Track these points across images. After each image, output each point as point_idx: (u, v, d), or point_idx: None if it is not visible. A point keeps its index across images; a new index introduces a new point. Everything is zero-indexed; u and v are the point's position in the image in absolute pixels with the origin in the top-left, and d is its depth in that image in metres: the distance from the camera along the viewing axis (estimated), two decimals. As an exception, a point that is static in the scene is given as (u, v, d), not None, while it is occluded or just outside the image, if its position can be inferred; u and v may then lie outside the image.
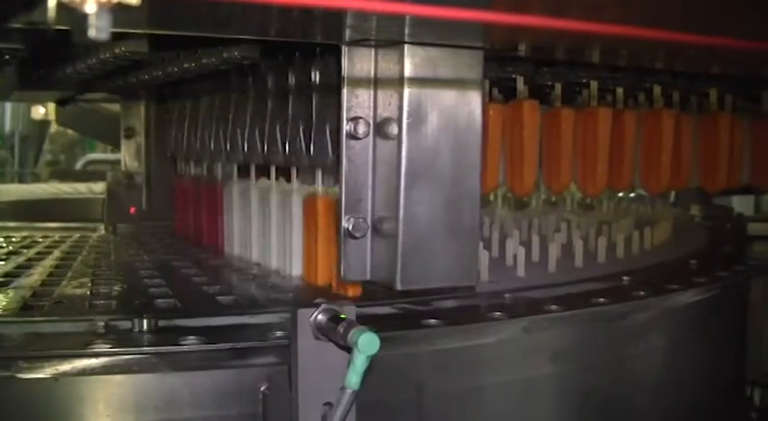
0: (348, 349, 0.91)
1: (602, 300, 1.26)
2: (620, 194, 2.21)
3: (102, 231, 2.12)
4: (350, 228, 1.19)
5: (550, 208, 2.11)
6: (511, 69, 1.54)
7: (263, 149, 1.52)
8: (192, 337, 1.00)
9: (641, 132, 1.65)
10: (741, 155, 1.82)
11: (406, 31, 1.11)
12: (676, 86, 1.71)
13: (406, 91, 1.16)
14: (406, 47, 1.15)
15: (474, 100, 1.20)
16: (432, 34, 1.13)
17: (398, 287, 1.17)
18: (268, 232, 1.51)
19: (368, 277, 1.22)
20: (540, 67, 1.57)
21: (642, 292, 1.32)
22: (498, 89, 1.56)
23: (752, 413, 1.95)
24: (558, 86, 1.57)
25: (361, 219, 1.20)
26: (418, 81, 1.16)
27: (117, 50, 1.30)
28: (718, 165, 1.73)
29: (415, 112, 1.16)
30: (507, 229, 1.77)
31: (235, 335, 1.04)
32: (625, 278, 1.45)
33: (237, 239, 1.65)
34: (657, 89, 1.67)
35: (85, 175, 4.92)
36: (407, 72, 1.15)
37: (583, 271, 1.49)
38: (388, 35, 1.15)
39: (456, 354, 1.10)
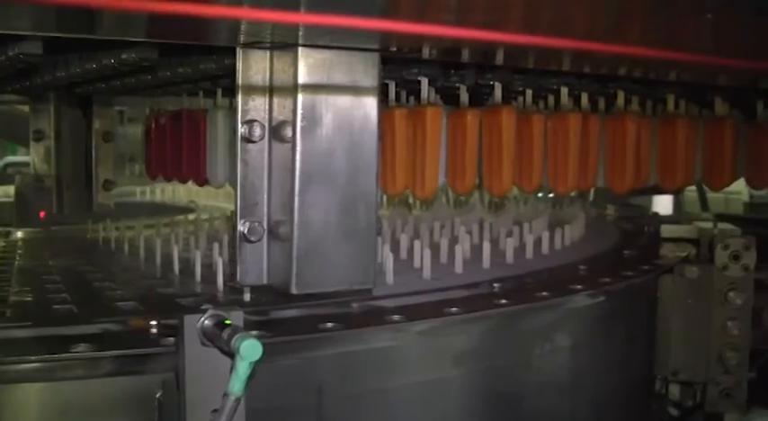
0: (233, 355, 0.90)
1: (504, 301, 1.26)
2: (540, 194, 2.23)
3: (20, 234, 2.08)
4: (245, 231, 1.18)
5: (466, 209, 2.11)
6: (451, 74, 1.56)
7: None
8: (83, 345, 0.98)
9: (549, 134, 1.66)
10: (649, 155, 1.84)
11: (300, 34, 1.11)
12: (583, 88, 1.73)
13: (300, 93, 1.15)
14: (300, 49, 1.15)
15: (369, 102, 1.19)
16: (326, 37, 1.13)
17: (294, 291, 1.17)
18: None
19: (264, 281, 1.21)
20: (449, 70, 1.58)
21: (545, 293, 1.32)
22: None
23: (670, 409, 1.98)
24: (464, 88, 1.57)
25: (257, 223, 1.19)
26: (312, 83, 1.15)
27: (11, 53, 1.28)
28: (625, 165, 1.74)
29: (310, 115, 1.16)
30: (416, 231, 1.77)
31: (129, 342, 1.02)
32: (531, 279, 1.45)
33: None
34: (565, 91, 1.68)
35: (4, 179, 4.83)
36: (301, 74, 1.15)
37: (489, 272, 1.49)
38: (282, 38, 1.15)
39: (356, 357, 1.10)
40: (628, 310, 1.52)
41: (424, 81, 1.49)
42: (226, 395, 0.89)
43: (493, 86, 1.59)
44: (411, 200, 1.98)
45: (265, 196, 1.20)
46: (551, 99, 1.76)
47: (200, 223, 1.93)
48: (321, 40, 1.14)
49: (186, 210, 2.39)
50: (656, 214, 2.36)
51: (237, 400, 0.90)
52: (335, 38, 1.14)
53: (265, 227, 1.20)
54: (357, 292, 1.24)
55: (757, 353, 1.76)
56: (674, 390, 2.00)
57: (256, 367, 0.90)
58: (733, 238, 1.67)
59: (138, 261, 1.62)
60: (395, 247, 1.59)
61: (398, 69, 1.49)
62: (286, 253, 1.18)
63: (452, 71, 1.58)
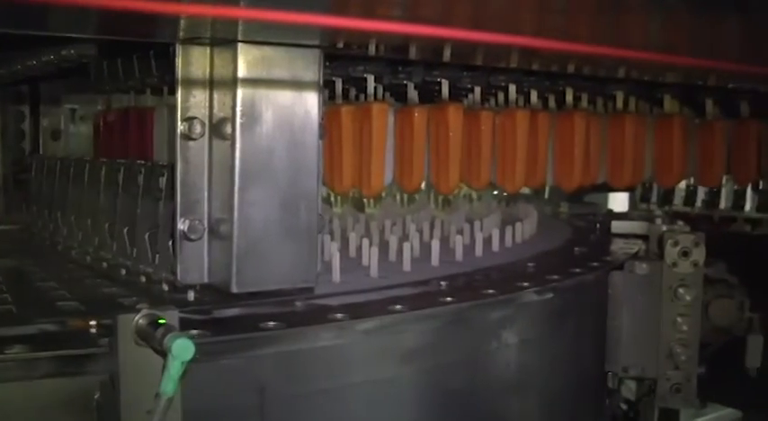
0: (165, 355, 0.89)
1: (449, 299, 1.25)
2: (495, 192, 2.23)
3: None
4: (186, 230, 1.17)
5: (417, 207, 2.10)
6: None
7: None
8: (18, 346, 0.97)
9: (497, 131, 1.66)
10: (598, 153, 1.85)
11: (240, 30, 1.10)
12: (532, 85, 1.73)
13: (240, 90, 1.14)
14: (239, 45, 1.14)
15: (311, 99, 1.19)
16: (266, 33, 1.12)
17: (234, 290, 1.16)
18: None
19: (205, 280, 1.20)
20: (396, 67, 1.57)
21: (492, 291, 1.32)
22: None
23: (621, 405, 1.99)
24: (411, 85, 1.57)
25: (197, 221, 1.18)
26: (252, 80, 1.14)
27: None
28: (574, 163, 1.75)
29: (249, 112, 1.15)
30: (367, 230, 1.76)
31: (66, 342, 1.00)
32: (479, 276, 1.45)
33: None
34: (512, 88, 1.69)
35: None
36: (241, 71, 1.14)
37: (438, 270, 1.49)
38: (221, 34, 1.14)
39: (299, 356, 1.09)
40: (577, 307, 1.51)
41: (370, 78, 1.49)
42: (158, 395, 0.88)
43: (441, 83, 1.58)
44: (364, 198, 1.97)
45: (206, 194, 1.19)
46: (501, 96, 1.77)
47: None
48: (261, 35, 1.13)
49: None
50: (609, 211, 2.37)
51: (170, 400, 0.88)
52: (275, 34, 1.13)
53: (206, 225, 1.18)
54: (301, 291, 1.23)
55: (703, 347, 1.77)
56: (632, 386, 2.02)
57: (196, 366, 0.90)
58: (683, 235, 1.67)
59: (84, 260, 1.60)
60: (345, 245, 1.58)
61: (345, 66, 1.49)
62: (226, 251, 1.17)
63: (400, 68, 1.57)
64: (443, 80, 1.58)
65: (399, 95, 1.71)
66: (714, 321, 1.81)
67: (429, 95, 1.70)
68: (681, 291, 1.65)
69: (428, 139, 1.56)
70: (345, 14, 1.08)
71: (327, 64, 1.49)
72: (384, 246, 1.55)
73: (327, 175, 1.51)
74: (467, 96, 1.78)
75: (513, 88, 1.72)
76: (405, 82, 1.59)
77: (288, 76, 1.17)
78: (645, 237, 1.82)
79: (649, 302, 1.65)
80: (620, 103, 1.94)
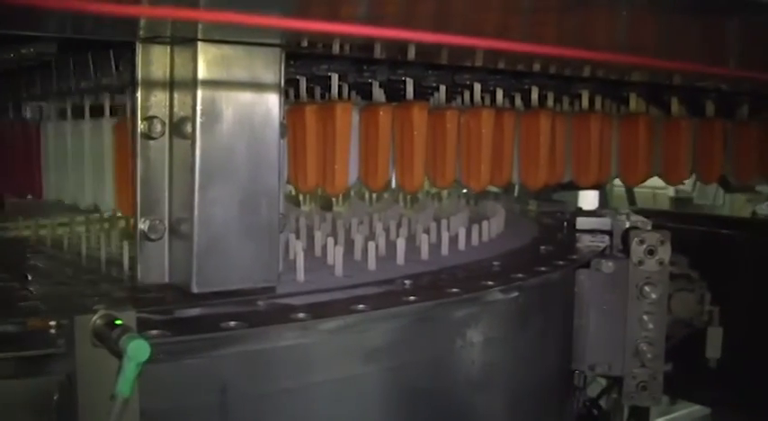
0: (121, 356, 0.88)
1: (412, 298, 1.25)
2: (465, 190, 2.23)
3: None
4: (146, 229, 1.17)
5: (385, 205, 2.10)
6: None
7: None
8: (-27, 347, 0.96)
9: (462, 130, 1.66)
10: (564, 151, 1.86)
11: (200, 29, 1.09)
12: (498, 83, 1.74)
13: (200, 89, 1.14)
14: (199, 44, 1.13)
15: (272, 98, 1.18)
16: (226, 32, 1.12)
17: (194, 289, 1.15)
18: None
19: (166, 279, 1.19)
20: (361, 66, 1.57)
21: (456, 289, 1.31)
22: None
23: (585, 403, 2.00)
24: (377, 84, 1.57)
25: (158, 221, 1.17)
26: (212, 79, 1.14)
27: None
28: (539, 161, 1.76)
29: (210, 111, 1.15)
30: (334, 228, 1.76)
31: (25, 343, 0.99)
32: (444, 275, 1.45)
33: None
34: (477, 87, 1.69)
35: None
36: (201, 70, 1.14)
37: (404, 269, 1.48)
38: (181, 32, 1.13)
39: (260, 356, 1.08)
40: (543, 306, 1.51)
41: (334, 77, 1.49)
42: (113, 396, 0.87)
43: (405, 82, 1.58)
44: (331, 197, 1.97)
45: (166, 193, 1.18)
46: (467, 95, 1.77)
47: (115, 221, 1.89)
48: (221, 35, 1.13)
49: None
50: (578, 209, 2.38)
51: (126, 401, 0.88)
52: (236, 33, 1.13)
53: (166, 224, 1.18)
54: (264, 290, 1.23)
55: (665, 339, 1.78)
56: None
57: (157, 367, 0.91)
58: (648, 233, 1.68)
59: (47, 260, 1.59)
60: (311, 244, 1.58)
61: (309, 65, 1.48)
62: (187, 251, 1.16)
63: (365, 67, 1.57)
64: (408, 79, 1.58)
65: (365, 94, 1.72)
66: (675, 314, 1.83)
67: (395, 93, 1.70)
68: (647, 288, 1.66)
69: (393, 138, 1.56)
70: (307, 17, 1.08)
71: (292, 63, 1.50)
72: (350, 245, 1.54)
73: (292, 174, 1.50)
74: (432, 95, 1.78)
75: (478, 87, 1.72)
76: (370, 80, 1.58)
77: (248, 74, 1.16)
78: (610, 233, 1.83)
79: (615, 300, 1.66)
80: (585, 102, 1.94)
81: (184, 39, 1.15)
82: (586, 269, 1.66)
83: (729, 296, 2.02)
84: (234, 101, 1.16)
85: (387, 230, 1.70)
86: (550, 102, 1.89)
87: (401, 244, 1.51)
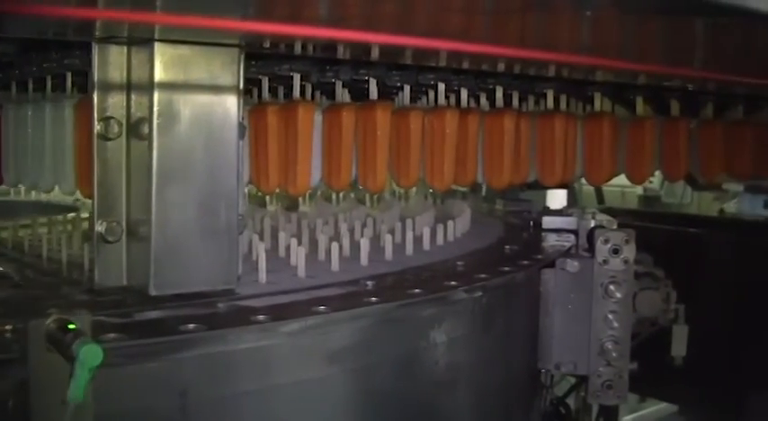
0: (74, 361, 0.87)
1: (373, 299, 1.24)
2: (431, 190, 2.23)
3: None
4: (103, 231, 1.16)
5: (352, 204, 2.09)
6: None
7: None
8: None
9: (427, 130, 1.66)
10: (528, 151, 1.86)
11: (157, 29, 1.09)
12: (462, 84, 1.74)
13: (157, 90, 1.13)
14: (156, 45, 1.12)
15: (230, 98, 1.17)
16: (184, 33, 1.11)
17: (152, 292, 1.15)
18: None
19: (124, 282, 1.18)
20: (324, 66, 1.57)
21: (418, 290, 1.31)
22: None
23: (553, 401, 2.00)
24: (340, 84, 1.56)
25: (115, 223, 1.16)
26: (169, 80, 1.13)
27: None
28: (503, 161, 1.76)
29: (167, 112, 1.14)
30: (299, 228, 1.75)
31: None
32: (407, 276, 1.44)
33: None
34: (442, 87, 1.69)
35: None
36: (158, 70, 1.13)
37: (368, 269, 1.47)
38: (138, 33, 1.12)
39: (218, 359, 1.07)
40: (507, 305, 1.52)
41: (296, 77, 1.48)
42: (64, 402, 0.86)
43: (369, 82, 1.58)
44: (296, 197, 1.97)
45: (124, 195, 1.17)
46: (431, 95, 1.77)
47: (79, 222, 1.88)
48: (178, 35, 1.12)
49: (69, 208, 2.32)
50: (545, 208, 2.38)
51: (78, 407, 0.87)
52: (193, 33, 1.12)
53: (124, 226, 1.17)
54: (224, 292, 1.22)
55: (631, 337, 1.79)
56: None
57: (115, 370, 0.92)
58: (613, 233, 1.68)
59: (7, 263, 1.57)
60: (276, 245, 1.57)
61: (271, 65, 1.48)
62: (145, 253, 1.15)
63: (328, 67, 1.56)
64: (372, 79, 1.58)
65: (329, 93, 1.72)
66: (641, 313, 1.84)
67: (359, 93, 1.70)
68: (611, 287, 1.66)
69: (356, 138, 1.55)
70: (265, 19, 1.07)
71: (254, 63, 1.49)
72: (315, 246, 1.54)
73: (254, 175, 1.49)
74: (396, 94, 1.78)
75: (442, 87, 1.72)
76: (333, 80, 1.58)
77: (206, 75, 1.16)
78: (576, 233, 1.83)
79: (580, 299, 1.67)
80: (550, 102, 1.95)
81: (141, 39, 1.14)
82: (552, 268, 1.66)
83: (696, 294, 2.03)
84: (191, 102, 1.15)
85: (352, 231, 1.70)
86: (515, 101, 1.89)
87: (365, 244, 1.51)
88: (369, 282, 1.35)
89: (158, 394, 1.03)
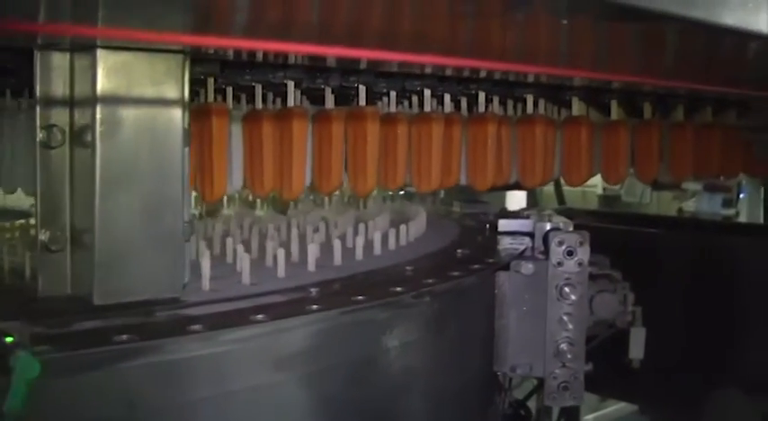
0: (10, 373, 0.86)
1: (315, 306, 1.22)
2: (390, 192, 2.23)
3: None
4: (46, 240, 1.14)
5: (308, 208, 2.09)
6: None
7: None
8: None
9: (413, 134, 1.75)
10: (510, 154, 1.95)
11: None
12: (446, 89, 1.80)
13: (99, 97, 1.12)
14: (99, 51, 1.11)
15: (174, 105, 1.16)
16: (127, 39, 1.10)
17: (96, 302, 1.13)
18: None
19: (68, 291, 1.17)
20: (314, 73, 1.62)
21: (362, 297, 1.29)
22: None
23: (512, 404, 2.01)
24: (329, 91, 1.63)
25: (59, 232, 1.15)
26: (112, 86, 1.12)
27: None
28: (487, 164, 1.85)
29: (110, 119, 1.12)
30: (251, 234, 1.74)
31: None
32: (354, 281, 1.43)
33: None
34: (427, 93, 1.74)
35: None
36: (100, 77, 1.11)
37: (315, 275, 1.46)
38: (80, 40, 1.12)
39: (156, 369, 1.05)
40: (458, 309, 1.51)
41: (290, 84, 1.50)
42: (1, 415, 0.86)
43: (358, 89, 1.63)
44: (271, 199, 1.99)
45: (67, 203, 1.16)
46: (416, 100, 1.84)
47: (29, 229, 1.86)
48: (121, 42, 1.11)
49: (24, 214, 2.30)
50: (503, 210, 2.38)
51: (16, 420, 0.86)
52: (135, 41, 1.11)
53: (68, 235, 1.16)
54: (169, 301, 1.20)
55: (588, 340, 1.79)
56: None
57: (54, 382, 0.90)
58: (567, 234, 1.69)
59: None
60: (224, 251, 1.56)
61: (264, 72, 1.53)
62: (89, 262, 1.14)
63: (318, 74, 1.62)
64: (361, 86, 1.63)
65: (314, 99, 1.76)
66: (597, 315, 1.84)
67: (344, 98, 1.75)
68: (566, 289, 1.66)
69: (345, 143, 1.63)
70: (207, 31, 1.08)
71: (248, 70, 1.54)
72: (265, 251, 1.53)
73: (249, 180, 1.56)
74: (381, 99, 1.83)
75: (428, 93, 1.76)
76: (322, 86, 1.63)
77: (150, 81, 1.15)
78: (532, 235, 1.83)
79: (535, 301, 1.67)
80: (530, 106, 2.00)
81: (84, 46, 1.13)
82: (506, 271, 1.66)
83: (655, 294, 2.04)
84: (135, 109, 1.14)
85: (303, 235, 1.69)
86: (496, 105, 1.95)
87: (313, 250, 1.50)
88: (313, 289, 1.34)
89: (93, 406, 1.00)
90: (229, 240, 1.56)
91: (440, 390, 1.46)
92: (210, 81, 1.56)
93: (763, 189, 3.56)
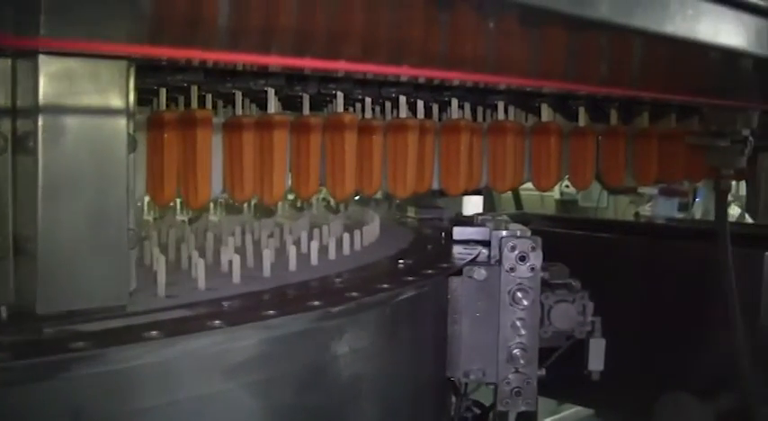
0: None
1: (270, 312, 1.22)
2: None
3: None
4: (-11, 249, 1.13)
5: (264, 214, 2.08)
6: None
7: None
8: None
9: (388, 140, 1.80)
10: (481, 159, 2.01)
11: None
12: (420, 96, 1.85)
13: (42, 103, 1.10)
14: (41, 57, 1.10)
15: (118, 112, 1.15)
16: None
17: (39, 310, 1.12)
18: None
19: (12, 300, 1.15)
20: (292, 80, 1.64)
21: (317, 302, 1.29)
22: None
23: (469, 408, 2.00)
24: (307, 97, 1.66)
25: (2, 240, 1.14)
26: (55, 93, 1.11)
27: None
28: (459, 168, 1.90)
29: (52, 126, 1.11)
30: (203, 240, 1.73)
31: None
32: (308, 287, 1.43)
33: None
34: (402, 99, 1.79)
35: None
36: (43, 83, 1.10)
37: (270, 281, 1.46)
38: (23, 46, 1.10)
39: (114, 377, 1.04)
40: (410, 315, 1.51)
41: (271, 92, 1.51)
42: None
43: (335, 96, 1.67)
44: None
45: (10, 211, 1.14)
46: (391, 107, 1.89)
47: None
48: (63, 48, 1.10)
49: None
50: (458, 215, 2.39)
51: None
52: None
53: (10, 243, 1.14)
54: (116, 309, 1.19)
55: (550, 351, 1.80)
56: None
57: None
58: (519, 239, 1.69)
59: None
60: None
61: (246, 80, 1.54)
62: (32, 270, 1.13)
63: (295, 81, 1.64)
64: (339, 93, 1.67)
65: (291, 105, 1.81)
66: (556, 325, 1.82)
67: (320, 105, 1.84)
68: (519, 295, 1.67)
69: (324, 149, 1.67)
70: (153, 43, 1.07)
71: (229, 78, 1.55)
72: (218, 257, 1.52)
73: (229, 185, 1.58)
74: (356, 106, 1.88)
75: (403, 99, 1.80)
76: (300, 94, 1.65)
77: (94, 88, 1.13)
78: (487, 241, 1.83)
79: (488, 307, 1.67)
80: (500, 113, 2.04)
81: (25, 52, 1.11)
82: (459, 276, 1.66)
83: (611, 298, 2.03)
84: (78, 115, 1.13)
85: (258, 241, 1.68)
86: (468, 112, 2.00)
87: (268, 255, 1.50)
88: (266, 296, 1.34)
89: (42, 416, 0.99)
90: (183, 246, 1.55)
91: (392, 396, 1.46)
92: (194, 89, 1.58)
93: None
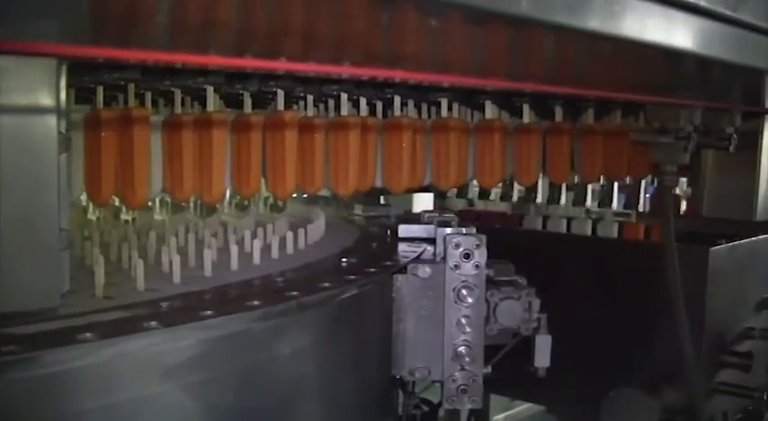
0: None
1: (208, 312, 1.21)
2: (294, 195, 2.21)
3: None
4: None
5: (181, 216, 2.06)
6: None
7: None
8: None
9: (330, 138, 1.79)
10: (424, 157, 2.01)
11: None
12: (362, 93, 1.86)
13: (-33, 100, 1.09)
14: (-36, 55, 1.08)
15: (49, 111, 1.13)
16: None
17: (-33, 314, 1.10)
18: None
19: (-57, 302, 1.13)
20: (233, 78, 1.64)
21: (257, 302, 1.28)
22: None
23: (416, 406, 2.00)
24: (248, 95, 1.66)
25: (-70, 242, 1.11)
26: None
27: None
28: (402, 166, 1.91)
29: (-20, 126, 1.09)
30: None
31: None
32: (250, 286, 1.42)
33: None
34: (344, 96, 1.81)
35: None
36: (-30, 82, 1.08)
37: (211, 280, 1.45)
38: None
39: (48, 380, 1.03)
40: (353, 313, 1.50)
41: (210, 90, 1.49)
42: None
43: (276, 93, 1.67)
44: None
45: (-64, 213, 1.12)
46: (333, 104, 1.90)
47: None
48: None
49: None
50: (406, 212, 2.38)
51: None
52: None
53: (-60, 246, 1.12)
54: (43, 311, 1.17)
55: (496, 348, 1.79)
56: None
57: None
58: (464, 237, 1.69)
59: None
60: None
61: (185, 78, 1.55)
62: (-41, 273, 1.11)
63: (236, 79, 1.63)
64: (279, 90, 1.66)
65: (232, 102, 1.81)
66: (502, 323, 1.82)
67: (262, 102, 1.82)
68: (464, 292, 1.67)
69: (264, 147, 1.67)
70: (81, 43, 1.06)
71: (168, 76, 1.55)
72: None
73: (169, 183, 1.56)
74: (298, 103, 1.89)
75: (344, 97, 1.81)
76: (241, 91, 1.64)
77: (23, 86, 1.11)
78: (432, 239, 1.82)
79: (433, 305, 1.67)
80: (444, 110, 2.05)
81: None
82: (403, 274, 1.66)
83: (559, 295, 2.03)
84: (6, 114, 1.11)
85: (201, 240, 1.67)
86: (411, 109, 2.01)
87: (208, 255, 1.48)
88: (207, 295, 1.33)
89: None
90: (125, 246, 1.53)
91: (335, 395, 1.45)
92: (131, 87, 1.57)
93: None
